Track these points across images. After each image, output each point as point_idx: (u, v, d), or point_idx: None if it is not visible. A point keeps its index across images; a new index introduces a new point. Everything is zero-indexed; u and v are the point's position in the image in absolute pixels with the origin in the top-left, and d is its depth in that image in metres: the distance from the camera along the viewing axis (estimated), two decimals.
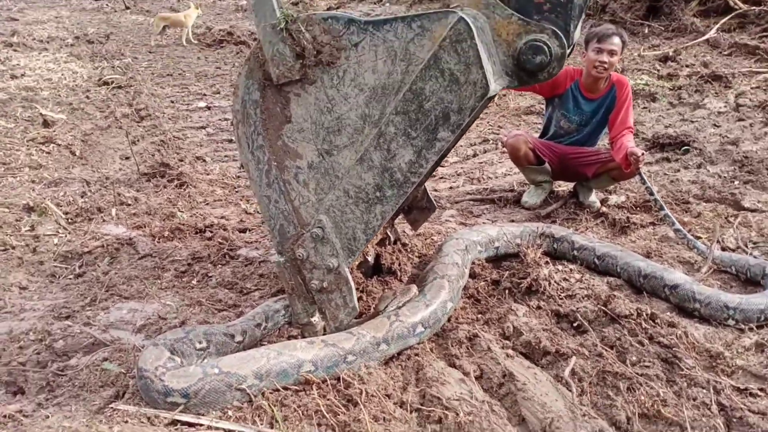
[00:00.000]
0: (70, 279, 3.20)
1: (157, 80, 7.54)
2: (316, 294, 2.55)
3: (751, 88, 6.48)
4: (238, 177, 4.64)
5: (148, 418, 2.04)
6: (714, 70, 6.86)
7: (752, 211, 3.87)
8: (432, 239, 3.59)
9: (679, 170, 4.58)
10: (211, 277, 3.22)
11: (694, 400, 2.18)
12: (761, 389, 2.23)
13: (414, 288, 2.65)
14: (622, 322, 2.65)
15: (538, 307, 2.84)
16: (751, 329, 2.65)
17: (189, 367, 2.16)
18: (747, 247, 3.43)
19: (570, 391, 2.26)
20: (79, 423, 2.06)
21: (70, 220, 3.76)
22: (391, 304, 2.61)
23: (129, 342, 2.56)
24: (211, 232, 3.63)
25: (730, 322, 2.69)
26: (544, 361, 2.48)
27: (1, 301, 2.92)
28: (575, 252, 3.32)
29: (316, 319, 2.67)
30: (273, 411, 2.10)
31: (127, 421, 2.01)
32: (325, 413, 2.11)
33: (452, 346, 2.55)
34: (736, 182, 4.26)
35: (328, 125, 2.35)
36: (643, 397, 2.21)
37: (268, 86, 2.38)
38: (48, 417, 2.12)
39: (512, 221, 3.88)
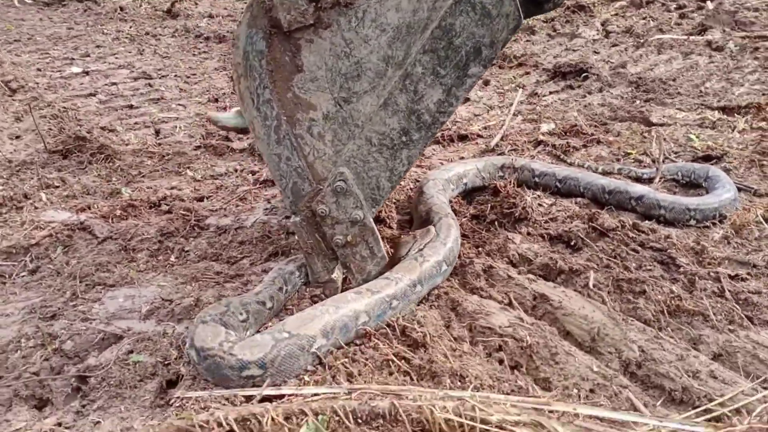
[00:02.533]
0: (24, 276, 2.82)
1: (6, 47, 6.56)
2: (339, 249, 2.49)
3: (612, 15, 7.10)
4: (160, 144, 4.27)
5: (227, 399, 1.92)
6: (578, 1, 7.41)
7: (661, 125, 4.34)
8: (399, 185, 3.61)
9: (585, 96, 4.97)
10: (188, 251, 3.00)
11: (704, 290, 2.48)
12: (748, 273, 2.59)
13: (433, 229, 2.69)
14: (610, 235, 2.90)
15: (529, 234, 3.02)
16: (708, 226, 3.04)
17: (255, 336, 2.05)
18: (671, 156, 3.86)
19: (602, 301, 2.47)
20: (143, 422, 1.90)
21: None
22: (413, 247, 2.62)
23: (145, 330, 2.34)
24: (167, 204, 3.34)
25: (692, 222, 3.05)
26: (560, 279, 2.66)
27: None
28: (536, 179, 3.54)
29: (336, 274, 2.63)
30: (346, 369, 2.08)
31: (207, 408, 1.88)
32: (396, 361, 2.12)
33: (474, 279, 2.64)
34: (638, 101, 4.74)
35: (346, 71, 2.25)
36: (659, 296, 2.47)
37: (275, 34, 2.22)
38: (99, 422, 1.92)
39: (462, 158, 4.01)
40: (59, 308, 2.51)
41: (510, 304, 2.50)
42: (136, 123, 4.63)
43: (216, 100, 5.07)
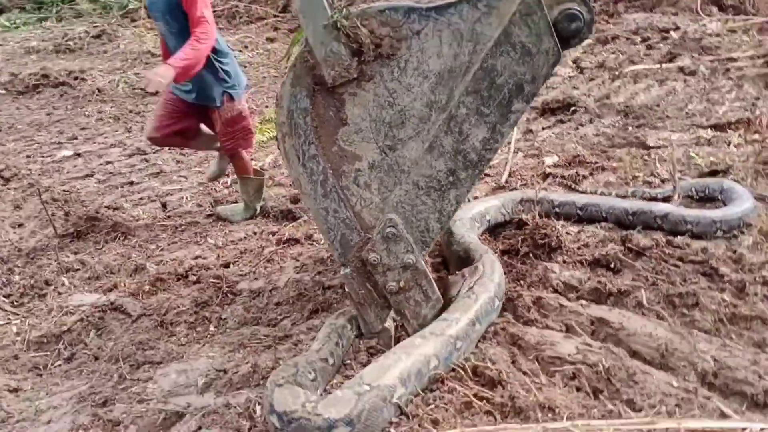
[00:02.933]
0: (61, 365, 2.71)
1: None
2: (392, 296, 2.46)
3: (581, 53, 7.39)
4: (170, 216, 4.22)
5: None
6: None
7: (658, 147, 4.47)
8: None
9: (578, 128, 5.11)
10: (225, 319, 2.93)
11: (756, 294, 2.51)
12: None
13: (480, 266, 2.68)
14: (647, 253, 2.94)
15: (566, 262, 3.03)
16: (736, 235, 3.10)
17: (336, 393, 1.99)
18: (675, 174, 3.96)
19: (660, 317, 2.47)
20: None
21: (15, 303, 3.15)
22: (463, 286, 2.61)
23: (207, 404, 2.26)
24: (195, 275, 3.28)
25: (719, 233, 3.11)
26: (610, 301, 2.66)
27: (2, 411, 2.38)
28: (557, 209, 3.58)
29: (389, 323, 2.59)
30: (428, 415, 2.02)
31: None
32: (477, 402, 2.07)
33: (526, 312, 2.62)
34: (630, 128, 4.88)
35: (390, 120, 2.28)
36: (713, 306, 2.48)
37: (318, 91, 2.26)
38: None
39: (476, 197, 4.04)
40: (110, 393, 2.40)
41: (570, 331, 2.49)
42: (141, 198, 4.58)
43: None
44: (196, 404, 2.27)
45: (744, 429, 1.80)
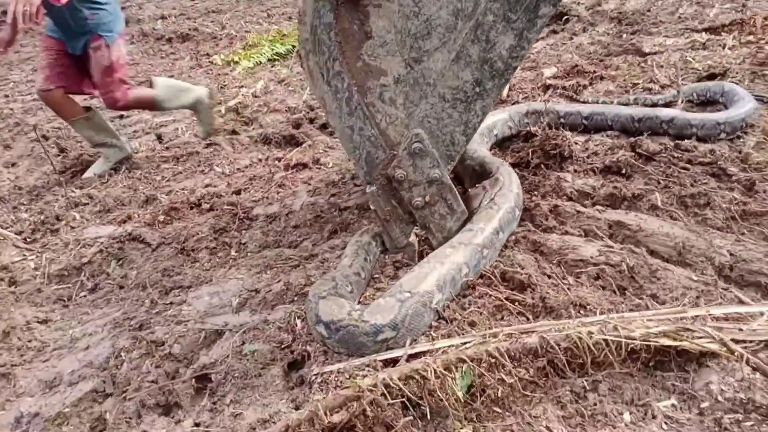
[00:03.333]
0: (86, 296, 2.73)
1: None
2: (418, 211, 2.50)
3: None
4: (168, 148, 4.15)
5: (367, 366, 1.92)
6: None
7: (654, 54, 4.47)
8: None
9: (572, 37, 5.07)
10: (245, 244, 2.96)
11: (765, 192, 2.60)
12: None
13: (501, 178, 2.72)
14: (656, 158, 3.00)
15: (577, 171, 3.09)
16: (738, 136, 3.17)
17: (378, 301, 2.05)
18: (678, 79, 3.99)
19: (675, 218, 2.56)
20: (285, 404, 1.89)
21: (27, 239, 3.12)
22: (484, 197, 2.65)
23: (245, 321, 2.31)
24: (207, 203, 3.28)
25: (722, 135, 3.17)
26: (624, 205, 2.74)
27: (36, 341, 2.42)
28: (562, 119, 3.61)
29: (413, 238, 2.64)
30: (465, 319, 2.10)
31: (353, 376, 1.88)
32: (509, 304, 2.16)
33: (544, 220, 2.69)
34: (624, 35, 4.86)
35: (416, 30, 2.24)
36: (724, 204, 2.57)
37: (342, 4, 2.20)
38: (240, 414, 1.91)
39: None
40: (145, 317, 2.45)
41: (589, 235, 2.57)
42: (135, 131, 4.49)
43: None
44: (233, 322, 2.33)
45: (763, 313, 1.91)
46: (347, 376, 1.90)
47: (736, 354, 1.70)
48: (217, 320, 2.36)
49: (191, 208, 3.25)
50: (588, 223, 2.62)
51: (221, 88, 5.12)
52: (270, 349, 2.13)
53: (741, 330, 1.82)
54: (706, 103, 3.62)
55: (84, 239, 3.02)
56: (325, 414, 1.69)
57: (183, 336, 2.25)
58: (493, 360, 1.79)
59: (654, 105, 3.67)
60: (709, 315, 1.90)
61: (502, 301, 2.18)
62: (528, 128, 3.54)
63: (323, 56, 2.25)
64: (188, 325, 2.32)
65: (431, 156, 2.39)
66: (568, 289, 2.22)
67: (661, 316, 1.91)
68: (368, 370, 1.92)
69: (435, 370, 1.74)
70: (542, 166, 3.17)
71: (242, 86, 5.08)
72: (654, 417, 1.71)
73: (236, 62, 5.64)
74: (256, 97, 4.82)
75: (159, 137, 4.31)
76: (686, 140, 3.16)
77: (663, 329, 1.82)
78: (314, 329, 2.07)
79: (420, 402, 1.75)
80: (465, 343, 1.92)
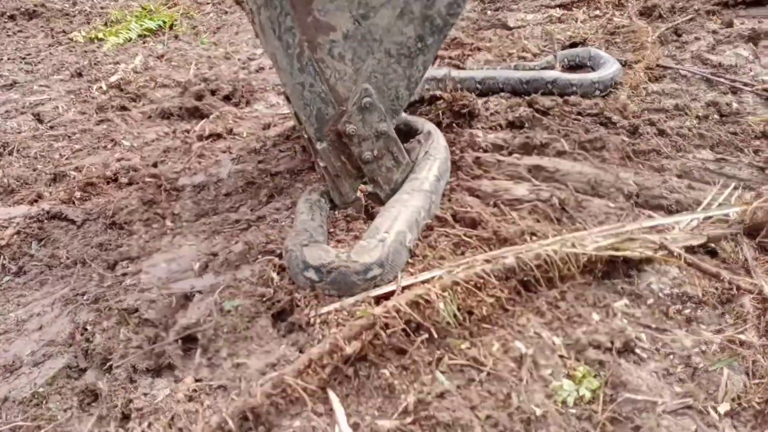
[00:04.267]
0: (14, 280, 2.52)
1: None
2: (366, 165, 2.63)
3: None
4: (53, 127, 3.82)
5: (362, 302, 2.05)
6: None
7: (519, 27, 4.96)
8: None
9: None
10: (179, 215, 2.89)
11: (647, 134, 3.08)
12: (666, 116, 3.26)
13: (432, 132, 2.92)
14: (551, 112, 3.41)
15: (484, 127, 3.40)
16: (611, 92, 3.69)
17: (360, 243, 2.17)
18: (555, 47, 4.48)
19: (583, 158, 2.95)
20: (287, 348, 1.97)
21: None
22: (420, 150, 2.85)
23: (214, 282, 2.31)
24: (125, 177, 3.12)
25: (596, 93, 3.67)
26: (536, 152, 3.09)
27: None
28: (458, 84, 3.91)
29: (360, 194, 2.77)
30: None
31: (352, 313, 2.00)
32: (467, 239, 2.39)
33: (471, 170, 2.96)
34: (489, 12, 5.32)
35: None
36: (619, 146, 3.02)
37: None
38: (242, 364, 1.95)
39: None
40: (97, 291, 2.33)
41: (514, 178, 2.88)
42: (7, 111, 4.05)
43: (80, 74, 4.59)
44: (200, 285, 2.31)
45: (678, 223, 2.33)
46: (346, 314, 2.01)
47: (675, 255, 2.07)
48: (182, 285, 2.33)
49: (108, 182, 3.07)
50: (510, 169, 2.93)
51: (94, 65, 4.78)
52: (252, 303, 2.16)
53: (666, 239, 2.21)
54: (576, 66, 4.14)
55: None
56: (345, 343, 1.80)
57: (154, 302, 2.19)
58: (481, 281, 2.00)
59: (532, 69, 4.11)
60: (641, 228, 2.28)
61: (461, 237, 2.41)
62: (430, 93, 3.79)
63: (275, 11, 2.28)
64: (153, 292, 2.26)
65: (379, 110, 2.53)
66: (514, 222, 2.50)
67: (605, 232, 2.24)
68: (365, 305, 2.05)
69: (436, 293, 1.91)
70: (453, 125, 3.43)
71: (118, 62, 4.78)
72: (615, 314, 2.03)
73: (101, 39, 5.27)
74: (137, 73, 4.58)
75: (38, 116, 3.95)
76: (571, 97, 3.61)
77: (611, 242, 2.15)
78: (301, 276, 2.14)
79: (423, 324, 1.92)
80: (449, 272, 2.11)
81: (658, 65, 3.91)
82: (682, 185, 2.66)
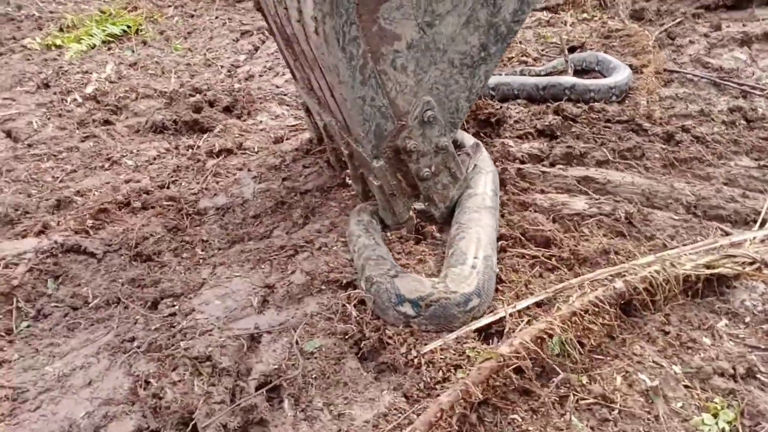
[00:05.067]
0: (30, 326, 2.18)
1: None
2: (423, 183, 2.46)
3: None
4: (31, 145, 3.40)
5: (466, 338, 1.88)
6: None
7: None
8: None
9: None
10: (208, 241, 2.61)
11: (683, 141, 3.05)
12: (697, 121, 3.24)
13: (479, 144, 2.77)
14: (578, 120, 3.33)
15: (512, 136, 3.29)
16: (629, 97, 3.66)
17: (452, 270, 2.00)
18: (565, 50, 4.43)
19: (621, 169, 2.88)
20: (390, 392, 1.78)
21: None
22: (469, 164, 2.69)
23: (279, 320, 2.07)
24: (139, 200, 2.79)
25: (613, 98, 3.64)
26: (576, 162, 2.99)
27: (5, 389, 1.88)
28: None
29: (412, 213, 2.59)
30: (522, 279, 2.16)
31: (460, 353, 1.82)
32: (546, 258, 2.27)
33: (517, 182, 2.83)
34: None
35: None
36: (656, 155, 2.98)
37: None
38: (343, 415, 1.74)
39: None
40: (148, 335, 2.04)
41: (567, 191, 2.77)
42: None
43: (47, 85, 4.14)
44: (265, 323, 2.07)
45: (753, 238, 2.28)
46: (453, 352, 1.83)
47: None
48: (244, 324, 2.08)
49: (120, 208, 2.74)
50: (557, 181, 2.83)
51: (61, 74, 4.33)
52: (334, 343, 1.95)
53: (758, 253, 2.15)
54: (582, 71, 4.10)
55: (2, 258, 2.38)
56: (475, 389, 1.62)
57: (224, 346, 1.93)
58: (596, 309, 1.87)
59: (537, 74, 4.04)
60: (728, 243, 2.21)
61: (540, 258, 2.28)
62: None
63: (340, 19, 2.07)
64: (215, 335, 2.00)
65: (440, 124, 2.36)
66: (586, 240, 2.38)
67: (698, 248, 2.16)
68: (469, 341, 1.87)
69: (559, 326, 1.77)
70: (480, 134, 3.31)
71: (87, 71, 4.36)
72: (721, 336, 1.95)
73: (60, 46, 4.81)
74: (112, 82, 4.19)
75: (9, 134, 3.52)
76: (592, 103, 3.56)
77: (709, 259, 2.07)
78: (392, 310, 1.94)
79: (544, 361, 1.77)
80: (565, 302, 1.97)
81: (665, 69, 3.93)
82: (736, 194, 2.64)
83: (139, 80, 4.23)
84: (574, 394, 1.74)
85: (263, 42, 4.92)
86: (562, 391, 1.75)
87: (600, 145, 3.08)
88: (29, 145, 3.39)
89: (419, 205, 2.61)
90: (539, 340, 1.74)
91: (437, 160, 2.44)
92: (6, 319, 2.19)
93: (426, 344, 1.87)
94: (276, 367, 1.87)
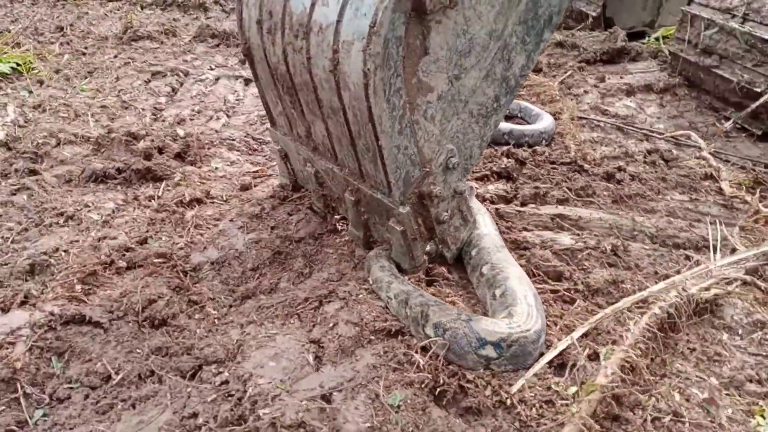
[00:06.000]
0: (53, 411, 1.89)
1: None
2: (440, 226, 2.55)
3: None
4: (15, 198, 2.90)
5: (540, 374, 1.98)
6: None
7: None
8: None
9: None
10: (215, 299, 2.46)
11: (623, 180, 3.45)
12: (625, 162, 3.68)
13: (472, 187, 2.90)
14: (527, 162, 3.63)
15: (473, 178, 3.49)
16: (553, 140, 4.05)
17: (515, 310, 2.10)
18: None
19: (584, 206, 3.20)
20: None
21: None
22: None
23: (345, 375, 2.02)
24: (123, 260, 2.52)
25: (543, 141, 4.01)
26: (539, 201, 3.26)
27: None
28: None
29: (425, 256, 2.65)
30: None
31: (547, 386, 1.92)
32: (567, 291, 2.46)
33: (496, 221, 3.02)
34: None
35: (461, 48, 2.31)
36: (605, 192, 3.34)
37: (412, 17, 2.11)
38: None
39: None
40: (214, 409, 1.87)
41: (546, 228, 3.01)
42: None
43: None
44: (329, 381, 2.00)
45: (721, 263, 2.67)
46: (540, 388, 1.93)
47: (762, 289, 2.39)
48: (308, 383, 1.99)
49: (105, 268, 2.45)
50: (533, 219, 3.07)
51: None
52: (414, 393, 1.94)
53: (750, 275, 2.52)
54: (507, 117, 4.46)
55: None
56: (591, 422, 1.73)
57: (309, 410, 1.83)
58: (648, 334, 2.07)
59: None
60: (716, 265, 2.56)
61: (562, 291, 2.46)
62: None
63: (389, 71, 2.13)
64: (287, 398, 1.89)
65: (459, 170, 2.48)
66: (590, 272, 2.62)
67: (695, 274, 2.48)
68: (548, 376, 1.98)
69: (635, 354, 1.94)
70: None
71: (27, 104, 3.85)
72: (730, 349, 2.26)
73: None
74: (21, 127, 3.73)
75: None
76: (526, 147, 3.89)
77: (710, 282, 2.39)
78: (473, 354, 1.98)
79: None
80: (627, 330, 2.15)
81: (579, 117, 4.41)
82: (683, 224, 3.05)
83: (52, 124, 3.81)
84: (650, 415, 1.91)
85: (181, 84, 4.68)
86: (647, 413, 1.92)
87: (555, 185, 3.39)
88: None
89: (429, 248, 2.68)
90: (623, 368, 1.89)
91: (452, 204, 2.54)
92: (14, 409, 1.87)
93: (511, 384, 1.94)
94: (370, 425, 1.82)
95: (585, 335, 2.19)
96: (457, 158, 2.44)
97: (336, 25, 2.20)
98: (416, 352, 2.07)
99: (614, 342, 2.13)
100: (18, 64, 4.59)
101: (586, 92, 4.94)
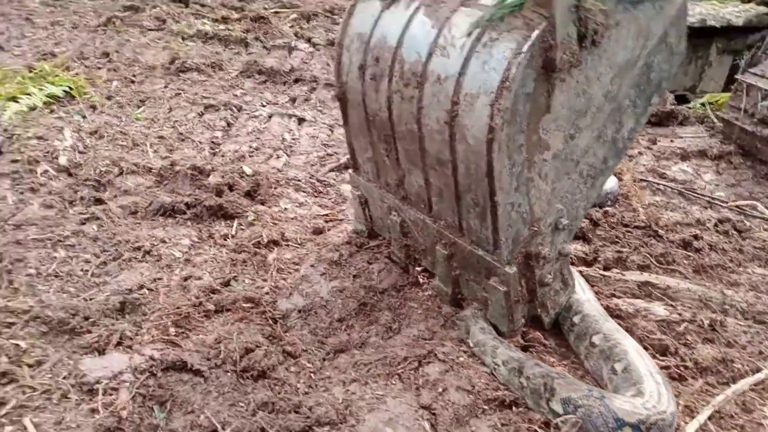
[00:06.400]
0: None
1: None
2: (542, 288, 2.44)
3: (289, 27, 7.49)
4: (19, 227, 2.78)
5: None
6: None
7: None
8: None
9: None
10: (307, 350, 2.33)
11: (703, 248, 3.37)
12: (699, 230, 3.61)
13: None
14: (600, 224, 3.55)
15: None
16: (617, 201, 3.99)
17: (645, 384, 1.99)
18: None
19: (666, 273, 3.11)
20: None
21: None
22: None
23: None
24: (210, 302, 2.40)
25: (608, 202, 3.93)
26: (620, 267, 3.16)
27: None
28: None
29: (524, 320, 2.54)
30: None
31: None
32: (677, 368, 2.35)
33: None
34: None
35: (579, 107, 2.26)
36: (685, 261, 3.26)
37: (540, 75, 2.05)
38: None
39: None
40: None
41: (635, 296, 2.91)
42: None
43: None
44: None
45: None
46: None
47: None
48: None
49: (195, 311, 2.33)
50: (619, 285, 2.97)
51: (8, 137, 3.66)
52: None
53: None
54: None
55: (94, 382, 1.86)
56: None
57: None
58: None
59: None
60: None
61: (672, 367, 2.35)
62: None
63: (514, 127, 2.07)
64: None
65: (566, 231, 2.39)
66: (693, 347, 2.51)
67: None
68: None
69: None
70: None
71: (41, 137, 3.74)
72: None
73: None
74: (81, 153, 3.64)
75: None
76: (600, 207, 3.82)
77: None
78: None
79: None
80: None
81: (640, 179, 4.37)
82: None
83: (111, 152, 3.72)
84: None
85: (236, 119, 4.62)
86: None
87: (633, 250, 3.30)
88: (16, 227, 2.78)
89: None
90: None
91: (557, 266, 2.45)
92: None
93: None
94: None
95: (708, 418, 2.08)
96: (566, 219, 2.36)
97: (458, 77, 2.14)
98: (539, 427, 1.94)
99: (742, 427, 2.02)
100: (70, 88, 4.52)
101: (640, 153, 4.91)
